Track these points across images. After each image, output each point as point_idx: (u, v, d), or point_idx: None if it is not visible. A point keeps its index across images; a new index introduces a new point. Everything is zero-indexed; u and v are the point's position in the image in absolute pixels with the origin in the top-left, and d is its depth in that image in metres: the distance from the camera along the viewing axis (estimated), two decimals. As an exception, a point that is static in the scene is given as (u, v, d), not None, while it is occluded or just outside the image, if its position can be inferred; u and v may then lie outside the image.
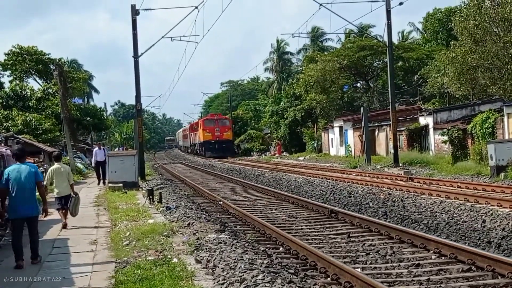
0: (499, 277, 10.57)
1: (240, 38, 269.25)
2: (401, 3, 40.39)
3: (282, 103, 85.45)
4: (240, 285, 9.66)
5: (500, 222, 15.66)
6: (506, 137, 32.49)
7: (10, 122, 50.43)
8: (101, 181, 33.68)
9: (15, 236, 12.81)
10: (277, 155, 78.17)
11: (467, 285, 10.38)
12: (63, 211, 18.06)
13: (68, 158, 42.52)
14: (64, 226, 17.85)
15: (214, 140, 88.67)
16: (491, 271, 10.91)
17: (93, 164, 38.25)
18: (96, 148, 35.52)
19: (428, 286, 10.53)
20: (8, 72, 68.38)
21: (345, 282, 10.61)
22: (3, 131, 41.60)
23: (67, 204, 18.01)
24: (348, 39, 76.91)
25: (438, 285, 10.51)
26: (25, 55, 66.35)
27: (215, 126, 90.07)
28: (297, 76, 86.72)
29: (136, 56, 39.30)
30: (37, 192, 13.33)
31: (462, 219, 16.93)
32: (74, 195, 18.36)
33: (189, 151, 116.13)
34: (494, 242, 14.02)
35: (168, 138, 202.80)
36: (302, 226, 17.88)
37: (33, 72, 67.53)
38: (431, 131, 46.03)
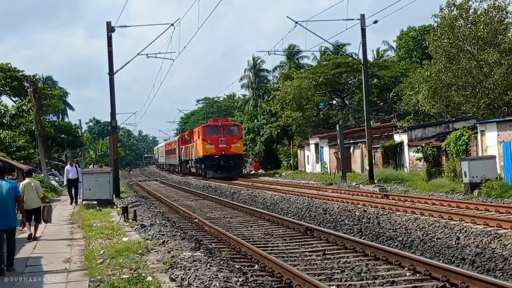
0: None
1: (217, 55, 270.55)
2: (375, 22, 40.79)
3: (257, 120, 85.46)
4: (215, 304, 9.61)
5: (474, 239, 15.75)
6: (480, 154, 32.74)
7: None
8: (74, 201, 31.95)
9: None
10: (253, 171, 78.18)
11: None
12: (34, 224, 18.63)
13: (42, 175, 42.24)
14: (30, 237, 18.36)
15: (218, 155, 63.74)
16: (464, 287, 10.96)
17: (65, 182, 36.66)
18: (68, 166, 33.69)
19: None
20: None
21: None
22: None
23: (37, 218, 18.61)
24: (324, 57, 77.49)
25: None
26: None
27: (219, 135, 64.71)
28: (273, 93, 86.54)
29: (111, 73, 39.00)
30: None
31: (437, 236, 17.00)
32: (46, 204, 19.14)
33: (177, 170, 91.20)
34: (468, 259, 14.07)
35: (146, 155, 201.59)
36: (277, 243, 17.82)
37: (7, 89, 66.55)
38: (405, 148, 46.29)
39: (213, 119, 75.39)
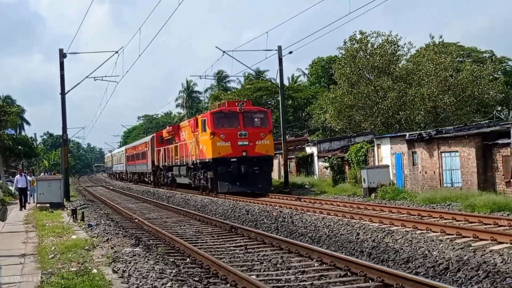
0: (370, 281, 10.75)
1: (158, 78, 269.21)
2: (290, 52, 41.08)
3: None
4: (151, 292, 9.49)
5: (371, 235, 15.95)
6: (376, 163, 33.37)
7: None
8: (23, 206, 30.51)
9: None
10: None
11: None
12: None
13: (1, 181, 41.46)
14: None
15: (238, 157, 33.88)
16: (363, 276, 11.09)
17: (13, 190, 35.96)
18: (18, 175, 32.79)
19: (312, 290, 10.61)
20: None
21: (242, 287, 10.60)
22: None
23: None
24: (247, 81, 77.65)
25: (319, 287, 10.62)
26: None
27: (238, 127, 34.48)
28: (204, 111, 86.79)
29: (63, 93, 38.51)
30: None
31: (340, 232, 17.15)
32: (2, 206, 18.18)
33: (147, 179, 58.82)
34: (366, 251, 14.26)
35: (96, 164, 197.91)
36: (206, 240, 17.73)
37: None
38: (315, 158, 46.70)
39: (227, 101, 39.87)
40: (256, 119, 34.77)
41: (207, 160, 34.38)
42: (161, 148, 49.27)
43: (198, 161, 36.29)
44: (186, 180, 40.82)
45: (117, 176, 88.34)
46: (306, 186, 39.60)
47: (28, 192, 33.04)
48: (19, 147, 67.27)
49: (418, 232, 15.45)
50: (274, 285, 10.78)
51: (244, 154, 32.96)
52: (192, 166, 38.10)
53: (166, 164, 47.15)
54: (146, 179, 58.78)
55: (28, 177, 33.91)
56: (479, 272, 10.85)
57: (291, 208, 24.92)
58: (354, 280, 11.07)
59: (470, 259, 11.69)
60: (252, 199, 30.07)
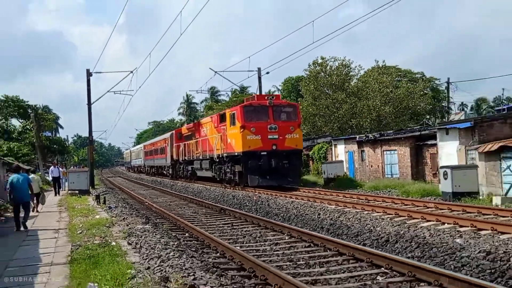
0: (328, 251, 10.73)
1: (163, 92, 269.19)
2: (267, 73, 41.77)
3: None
4: (157, 260, 9.35)
5: (329, 215, 15.89)
6: (334, 159, 33.38)
7: None
8: (57, 193, 30.38)
9: (16, 214, 15.18)
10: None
11: (308, 256, 10.45)
12: (36, 202, 20.31)
13: (40, 173, 41.76)
14: (33, 209, 19.25)
15: (268, 151, 26.17)
16: (323, 246, 11.06)
17: (50, 179, 35.87)
18: (52, 167, 33.23)
19: (283, 257, 10.52)
20: None
21: (229, 256, 10.48)
22: None
23: (38, 199, 20.60)
24: (234, 95, 77.35)
25: (289, 256, 10.53)
26: (10, 102, 63.71)
27: (268, 120, 26.55)
28: (200, 118, 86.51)
29: (89, 104, 38.41)
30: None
31: (306, 213, 17.09)
32: (42, 192, 21.48)
33: (165, 172, 50.13)
34: (325, 227, 14.25)
35: (116, 160, 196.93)
36: (201, 219, 17.57)
37: (15, 114, 64.99)
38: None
39: (256, 95, 31.17)
40: (285, 113, 27.33)
41: (236, 154, 27.04)
42: (180, 143, 41.97)
43: (225, 154, 28.69)
44: (209, 173, 33.03)
45: (135, 170, 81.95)
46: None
47: (61, 180, 33.24)
48: (54, 146, 67.55)
49: (365, 212, 15.45)
50: (254, 254, 10.69)
51: (274, 147, 25.96)
52: (217, 160, 30.45)
53: (186, 158, 39.71)
54: (164, 172, 51.00)
55: (60, 169, 33.99)
56: (412, 243, 10.90)
57: (267, 194, 24.81)
58: (316, 250, 11.04)
59: (405, 234, 11.70)
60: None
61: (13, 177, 15.32)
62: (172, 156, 44.90)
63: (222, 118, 29.87)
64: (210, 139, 31.78)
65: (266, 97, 27.26)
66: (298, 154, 26.73)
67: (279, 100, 28.53)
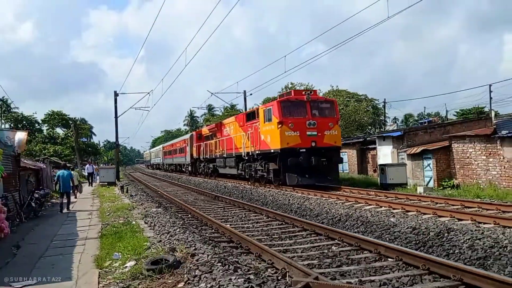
0: (295, 227, 10.84)
1: (173, 108, 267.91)
2: (251, 94, 41.38)
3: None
4: (167, 235, 9.39)
5: (297, 200, 15.88)
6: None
7: (46, 151, 49.94)
8: (91, 184, 31.57)
9: (61, 199, 16.05)
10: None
11: (280, 231, 10.54)
12: (75, 191, 20.70)
13: (78, 169, 42.61)
14: (75, 196, 20.31)
15: (307, 148, 18.25)
16: (291, 224, 11.18)
17: (85, 174, 36.45)
18: (87, 165, 34.39)
19: (262, 232, 10.59)
20: (46, 125, 66.02)
21: (221, 231, 10.54)
22: (42, 155, 40.93)
23: (76, 189, 21.12)
24: (226, 111, 77.06)
25: (266, 231, 10.61)
26: (55, 116, 64.75)
27: (306, 116, 18.55)
28: (200, 128, 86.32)
29: (116, 117, 37.94)
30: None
31: (279, 199, 16.97)
32: (80, 184, 22.70)
33: (187, 170, 40.89)
34: (294, 210, 14.33)
35: (137, 159, 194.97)
36: (200, 204, 17.49)
37: (59, 124, 65.74)
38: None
39: (293, 90, 20.84)
40: (323, 109, 19.61)
41: (272, 151, 19.72)
42: (201, 143, 34.74)
43: (256, 152, 21.56)
44: (233, 171, 26.40)
45: (154, 167, 74.22)
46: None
47: (94, 175, 33.89)
48: (89, 148, 68.10)
49: (323, 198, 15.56)
50: (240, 230, 10.77)
51: (313, 144, 18.75)
52: (245, 158, 23.44)
53: (207, 156, 32.36)
54: (183, 169, 43.96)
55: (94, 166, 34.24)
56: (358, 222, 11.06)
57: (251, 186, 24.81)
58: (286, 226, 11.13)
59: (353, 214, 11.87)
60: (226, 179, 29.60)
61: (60, 172, 16.31)
62: (192, 155, 38.61)
63: (250, 116, 23.22)
64: (235, 137, 25.44)
65: (303, 92, 19.77)
66: (337, 152, 19.67)
67: (317, 96, 20.71)
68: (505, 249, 7.41)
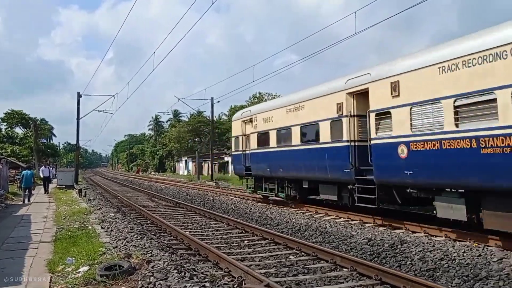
0: (255, 236, 10.88)
1: (138, 112, 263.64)
2: (218, 101, 41.47)
3: (155, 146, 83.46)
4: (124, 241, 9.20)
5: (258, 210, 15.95)
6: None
7: (3, 151, 48.34)
8: (46, 191, 24.76)
9: (24, 193, 19.77)
10: (153, 173, 75.44)
11: (240, 240, 10.56)
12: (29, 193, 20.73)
13: (36, 170, 40.84)
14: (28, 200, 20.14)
15: None
16: (252, 233, 11.22)
17: (41, 176, 33.03)
18: (43, 167, 28.75)
19: (221, 240, 10.59)
20: (4, 124, 64.19)
21: (179, 238, 10.46)
22: None
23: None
24: (192, 117, 76.61)
25: (226, 239, 10.61)
26: (15, 114, 63.02)
27: None
28: (165, 134, 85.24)
29: (78, 118, 37.06)
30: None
31: (241, 207, 17.08)
32: (36, 184, 24.43)
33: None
34: (255, 219, 14.36)
35: (102, 162, 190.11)
36: (161, 210, 17.32)
37: (19, 124, 64.05)
38: (229, 164, 46.79)
39: None
40: None
41: None
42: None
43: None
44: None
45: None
46: (221, 182, 39.49)
47: (50, 179, 30.20)
48: (48, 150, 66.54)
49: (285, 209, 15.72)
50: (199, 238, 10.70)
51: None
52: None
53: None
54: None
55: (51, 169, 32.62)
56: (316, 232, 11.22)
57: (213, 192, 24.80)
58: (246, 235, 11.18)
59: (312, 225, 12.04)
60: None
61: (25, 171, 20.27)
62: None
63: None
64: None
65: None
66: None
67: None
68: (454, 261, 7.72)
